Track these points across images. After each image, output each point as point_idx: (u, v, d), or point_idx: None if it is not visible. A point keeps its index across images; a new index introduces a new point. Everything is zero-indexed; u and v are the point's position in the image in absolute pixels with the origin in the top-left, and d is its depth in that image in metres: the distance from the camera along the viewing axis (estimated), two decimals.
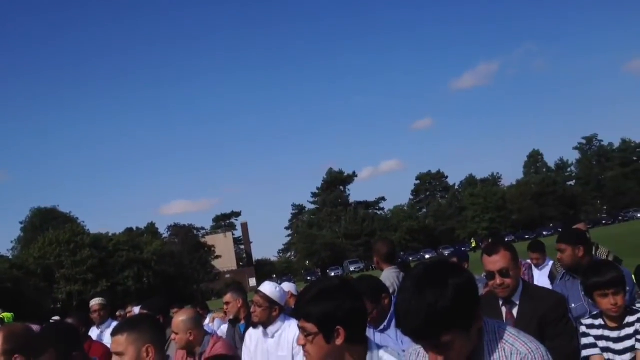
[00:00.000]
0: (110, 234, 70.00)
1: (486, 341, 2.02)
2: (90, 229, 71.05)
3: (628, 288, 4.47)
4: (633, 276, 4.97)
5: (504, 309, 3.88)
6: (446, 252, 58.87)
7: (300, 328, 2.30)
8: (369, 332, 3.83)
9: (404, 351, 2.50)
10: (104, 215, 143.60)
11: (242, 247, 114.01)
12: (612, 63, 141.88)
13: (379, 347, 2.46)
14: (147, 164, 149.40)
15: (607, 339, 3.58)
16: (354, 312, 2.31)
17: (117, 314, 11.99)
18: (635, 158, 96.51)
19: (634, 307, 3.67)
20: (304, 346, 2.31)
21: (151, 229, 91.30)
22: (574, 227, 5.72)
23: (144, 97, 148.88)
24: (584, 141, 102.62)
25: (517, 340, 2.01)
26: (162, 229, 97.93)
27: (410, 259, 60.73)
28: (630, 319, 3.54)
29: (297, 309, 2.33)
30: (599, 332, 3.61)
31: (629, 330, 3.52)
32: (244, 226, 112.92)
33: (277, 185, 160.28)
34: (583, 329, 3.67)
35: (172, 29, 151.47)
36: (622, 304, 3.55)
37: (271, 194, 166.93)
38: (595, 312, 3.78)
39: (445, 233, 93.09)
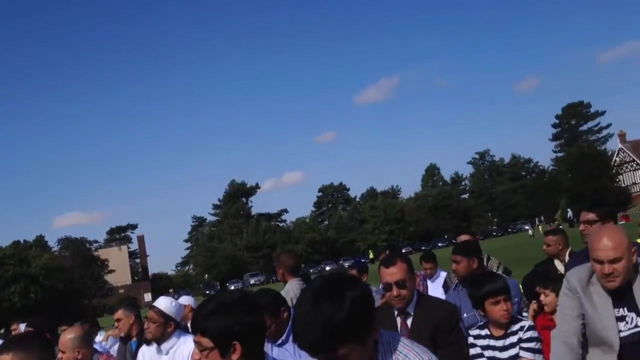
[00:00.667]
0: None
1: (381, 352, 2.04)
2: None
3: (516, 299, 4.70)
4: (520, 286, 5.22)
5: (398, 320, 3.96)
6: (346, 264, 59.67)
7: (196, 342, 2.24)
8: (267, 347, 3.80)
9: None
10: None
11: (138, 260, 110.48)
12: (504, 82, 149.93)
13: None
14: (38, 174, 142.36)
15: (493, 348, 3.72)
16: (252, 328, 2.26)
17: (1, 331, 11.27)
18: (523, 173, 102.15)
19: (517, 317, 3.83)
20: None
21: (40, 242, 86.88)
22: (461, 238, 5.96)
23: (34, 104, 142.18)
24: (477, 156, 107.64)
25: (410, 351, 2.05)
26: (53, 242, 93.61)
27: (311, 270, 61.04)
28: (514, 327, 3.69)
29: (194, 323, 2.28)
30: (485, 342, 3.74)
31: (513, 339, 3.66)
32: (140, 239, 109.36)
33: (176, 196, 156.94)
34: (470, 339, 3.79)
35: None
36: (511, 310, 3.73)
37: (170, 206, 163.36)
38: (481, 323, 3.92)
39: (346, 245, 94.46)
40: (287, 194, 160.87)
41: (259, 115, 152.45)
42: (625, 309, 3.16)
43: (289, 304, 4.25)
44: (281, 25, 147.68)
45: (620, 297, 3.16)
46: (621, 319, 3.16)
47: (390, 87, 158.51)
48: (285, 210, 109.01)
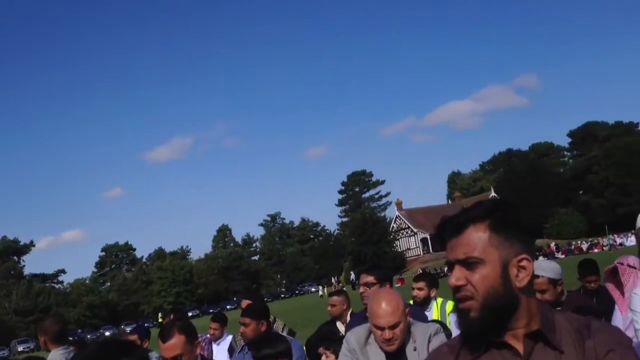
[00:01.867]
0: None
1: None
2: None
3: None
4: (304, 347, 5.28)
5: None
6: (128, 329, 56.63)
7: None
8: None
9: None
10: None
11: None
12: (295, 148, 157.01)
13: None
14: None
15: None
16: None
17: None
18: (312, 236, 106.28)
19: None
20: None
21: None
22: (245, 302, 5.93)
23: None
24: (268, 218, 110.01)
25: None
26: None
27: (89, 336, 56.94)
28: None
29: None
30: None
31: None
32: None
33: None
34: None
35: None
36: None
37: None
38: None
39: (130, 308, 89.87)
40: (65, 254, 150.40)
41: (36, 168, 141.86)
42: None
43: None
44: (68, 82, 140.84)
45: (394, 357, 3.31)
46: None
47: (182, 147, 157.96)
48: (63, 271, 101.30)
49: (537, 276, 4.03)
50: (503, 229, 1.58)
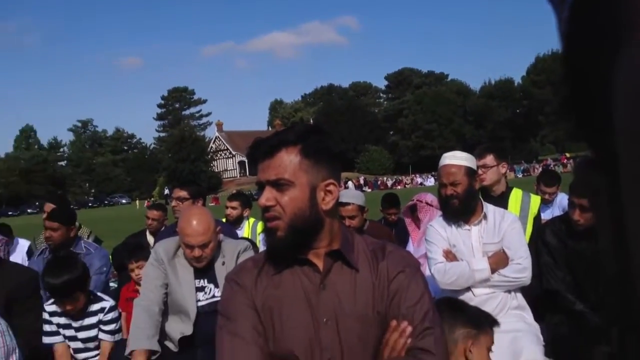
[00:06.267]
0: None
1: None
2: None
3: (104, 268, 4.66)
4: (110, 257, 5.21)
5: None
6: None
7: None
8: None
9: None
10: None
11: None
12: (107, 56, 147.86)
13: None
14: None
15: (70, 327, 3.58)
16: None
17: None
18: (126, 147, 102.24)
19: (99, 296, 3.71)
20: None
21: None
22: (48, 206, 5.65)
23: None
24: (79, 124, 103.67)
25: None
26: None
27: None
28: (94, 307, 3.60)
29: None
30: (62, 319, 3.57)
31: (93, 320, 3.58)
32: None
33: None
34: (46, 315, 3.57)
35: None
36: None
37: None
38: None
39: None
40: None
41: None
42: (205, 280, 3.40)
43: None
44: None
45: (203, 270, 3.39)
46: (201, 289, 3.40)
47: None
48: None
49: (348, 203, 4.31)
50: (313, 154, 1.65)
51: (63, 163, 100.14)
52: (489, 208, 3.51)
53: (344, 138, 72.50)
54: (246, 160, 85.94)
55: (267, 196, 1.64)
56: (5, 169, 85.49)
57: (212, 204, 41.77)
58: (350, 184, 53.04)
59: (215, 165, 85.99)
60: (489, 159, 4.28)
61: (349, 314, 1.64)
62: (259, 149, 1.68)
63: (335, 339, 1.62)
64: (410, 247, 4.61)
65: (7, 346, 1.85)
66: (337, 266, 1.69)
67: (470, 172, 3.43)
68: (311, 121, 79.35)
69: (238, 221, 6.30)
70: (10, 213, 65.43)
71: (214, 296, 3.36)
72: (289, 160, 1.63)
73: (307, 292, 1.66)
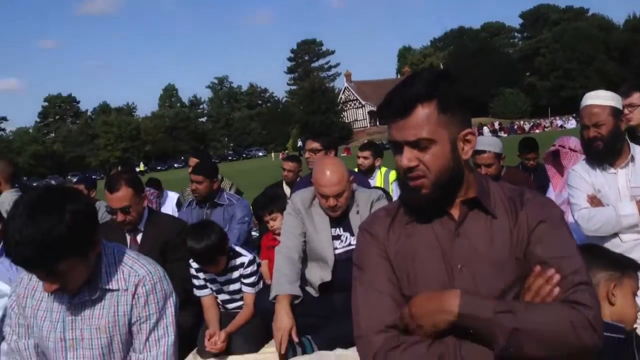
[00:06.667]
0: None
1: (104, 264, 1.99)
2: None
3: (246, 218, 4.90)
4: (251, 207, 5.46)
5: (128, 236, 3.91)
6: (74, 179, 56.30)
7: None
8: None
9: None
10: None
11: None
12: (238, 13, 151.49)
13: None
14: None
15: (215, 282, 3.78)
16: None
17: None
18: (260, 102, 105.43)
19: (238, 251, 3.79)
20: None
21: None
22: (193, 161, 5.99)
23: None
24: (216, 81, 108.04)
25: (136, 262, 2.02)
26: None
27: (35, 184, 56.62)
28: (235, 262, 3.73)
29: None
30: (208, 275, 3.76)
31: (235, 274, 3.74)
32: None
33: None
34: (192, 271, 3.78)
35: None
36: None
37: None
38: None
39: (75, 160, 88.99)
40: (4, 102, 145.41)
41: None
42: (341, 229, 3.49)
43: (4, 215, 3.88)
44: None
45: (338, 219, 3.48)
46: (337, 237, 3.49)
47: (116, 1, 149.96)
48: (4, 119, 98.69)
49: (484, 151, 4.20)
50: (449, 107, 1.59)
51: (203, 119, 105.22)
52: (637, 150, 3.30)
53: (477, 82, 69.84)
54: (376, 110, 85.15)
55: (409, 157, 1.60)
56: (152, 127, 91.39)
57: (344, 155, 42.23)
58: (485, 129, 51.46)
59: (346, 115, 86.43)
60: (636, 97, 3.99)
61: (484, 260, 1.62)
62: (391, 107, 1.62)
63: (469, 285, 1.60)
64: (551, 194, 4.42)
65: (164, 290, 2.02)
66: (473, 214, 1.66)
67: (616, 112, 3.23)
68: (441, 66, 77.26)
69: (370, 171, 6.35)
70: (159, 168, 70.24)
71: (350, 244, 3.45)
72: (426, 118, 1.57)
73: (441, 240, 1.65)
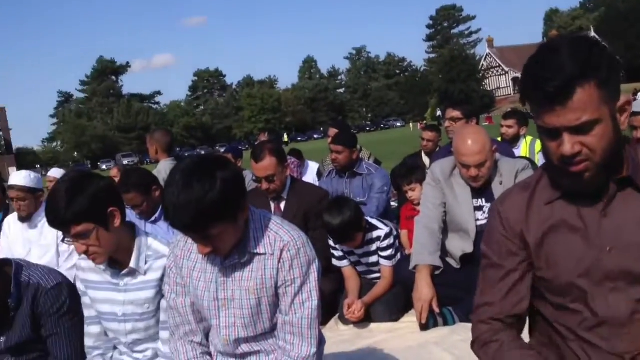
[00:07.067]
0: None
1: (252, 229, 2.07)
2: None
3: (385, 188, 4.91)
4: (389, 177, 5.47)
5: (272, 204, 4.06)
6: (222, 149, 59.11)
7: (76, 236, 2.18)
8: (140, 223, 3.77)
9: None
10: None
11: (0, 133, 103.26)
12: None
13: (148, 234, 2.43)
14: None
15: (352, 254, 3.86)
16: (111, 188, 2.31)
17: None
18: (398, 71, 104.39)
19: (375, 225, 3.81)
20: (86, 252, 2.22)
21: None
22: (332, 131, 6.07)
23: None
24: (354, 51, 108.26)
25: (281, 228, 2.09)
26: None
27: (186, 154, 60.29)
28: (372, 235, 3.77)
29: (58, 221, 2.18)
30: (346, 247, 3.85)
31: (372, 247, 3.79)
32: (2, 111, 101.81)
33: (40, 69, 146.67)
34: (331, 242, 3.86)
35: None
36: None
37: (33, 79, 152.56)
38: None
39: (222, 131, 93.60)
40: (158, 77, 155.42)
41: None
42: (483, 199, 3.40)
43: (161, 183, 4.18)
44: None
45: (480, 189, 3.39)
46: (479, 208, 3.41)
47: None
48: (159, 93, 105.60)
49: (637, 113, 3.90)
50: (607, 80, 1.43)
51: (341, 90, 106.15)
52: None
53: (631, 45, 64.33)
54: (520, 77, 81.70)
55: (572, 143, 1.45)
56: (292, 99, 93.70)
57: (486, 124, 40.84)
58: None
59: (487, 83, 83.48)
60: None
61: (635, 243, 1.50)
62: (542, 92, 1.45)
63: (619, 268, 1.51)
64: None
65: (308, 256, 2.08)
66: (624, 193, 1.54)
67: None
68: (592, 29, 72.01)
69: (514, 140, 6.11)
70: (299, 139, 72.02)
71: None
72: (588, 99, 1.42)
73: (587, 221, 1.55)
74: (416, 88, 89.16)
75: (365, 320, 3.69)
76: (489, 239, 1.72)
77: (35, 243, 4.30)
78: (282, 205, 4.05)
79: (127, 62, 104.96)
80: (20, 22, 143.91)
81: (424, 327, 3.42)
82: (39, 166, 72.80)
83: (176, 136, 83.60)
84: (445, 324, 3.48)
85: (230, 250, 2.06)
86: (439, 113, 54.93)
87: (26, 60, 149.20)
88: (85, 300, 2.49)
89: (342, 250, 3.86)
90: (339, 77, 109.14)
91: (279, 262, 2.05)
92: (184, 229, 1.95)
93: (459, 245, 3.46)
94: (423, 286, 3.24)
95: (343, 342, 3.49)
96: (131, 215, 3.79)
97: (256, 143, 5.26)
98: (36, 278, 2.55)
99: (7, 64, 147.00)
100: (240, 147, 9.32)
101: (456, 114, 4.83)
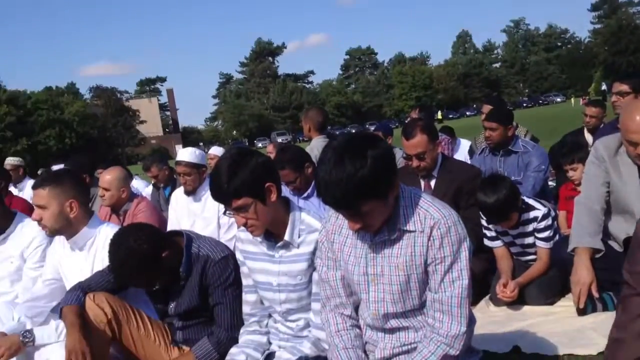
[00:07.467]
0: (28, 92, 67.02)
1: (402, 206, 2.08)
2: (7, 86, 68.05)
3: (543, 167, 4.70)
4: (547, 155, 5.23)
5: (422, 181, 4.04)
6: (372, 128, 59.54)
7: (236, 210, 2.30)
8: (294, 200, 3.91)
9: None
10: (21, 72, 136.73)
11: (168, 113, 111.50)
12: None
13: (301, 209, 2.52)
14: (68, 19, 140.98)
15: (506, 234, 3.74)
16: (269, 165, 2.38)
17: (39, 173, 11.73)
18: (559, 44, 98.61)
19: (532, 205, 3.67)
20: (245, 224, 2.33)
21: (71, 89, 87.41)
22: (486, 108, 5.87)
23: None
24: (511, 24, 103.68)
25: (431, 206, 2.08)
26: (83, 90, 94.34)
27: (337, 133, 61.28)
28: (529, 216, 3.64)
29: (221, 195, 2.30)
30: (500, 228, 3.74)
31: (528, 228, 3.65)
32: (170, 92, 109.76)
33: (204, 52, 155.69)
34: (484, 222, 3.77)
35: None
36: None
37: (198, 61, 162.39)
38: None
39: (372, 109, 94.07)
40: (312, 56, 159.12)
41: None
42: None
43: (314, 160, 4.30)
44: None
45: None
46: None
47: None
48: (312, 72, 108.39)
49: None
50: None
51: (497, 65, 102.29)
52: None
53: None
54: None
55: None
56: (444, 75, 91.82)
57: None
58: None
59: None
60: None
61: None
62: None
63: None
64: None
65: (458, 234, 2.05)
66: None
67: None
68: None
69: None
70: (451, 116, 70.50)
71: None
72: None
73: None
74: (579, 61, 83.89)
75: (517, 302, 3.58)
76: (634, 261, 1.50)
77: (199, 215, 4.61)
78: (433, 183, 4.01)
79: (283, 43, 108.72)
80: (187, 7, 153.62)
81: (581, 312, 3.26)
82: (201, 144, 77.65)
83: (328, 114, 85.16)
84: (605, 309, 3.29)
85: (380, 227, 2.08)
86: (604, 87, 51.32)
87: (192, 44, 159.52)
88: (243, 269, 2.64)
89: (496, 231, 3.76)
90: (495, 52, 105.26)
91: (428, 239, 2.05)
92: (335, 205, 2.00)
93: (623, 228, 3.23)
94: (582, 269, 3.07)
95: (494, 324, 3.41)
96: (285, 191, 3.95)
97: (407, 120, 5.24)
98: (205, 250, 2.74)
99: (176, 48, 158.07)
100: (390, 125, 9.33)
101: (624, 87, 4.56)
